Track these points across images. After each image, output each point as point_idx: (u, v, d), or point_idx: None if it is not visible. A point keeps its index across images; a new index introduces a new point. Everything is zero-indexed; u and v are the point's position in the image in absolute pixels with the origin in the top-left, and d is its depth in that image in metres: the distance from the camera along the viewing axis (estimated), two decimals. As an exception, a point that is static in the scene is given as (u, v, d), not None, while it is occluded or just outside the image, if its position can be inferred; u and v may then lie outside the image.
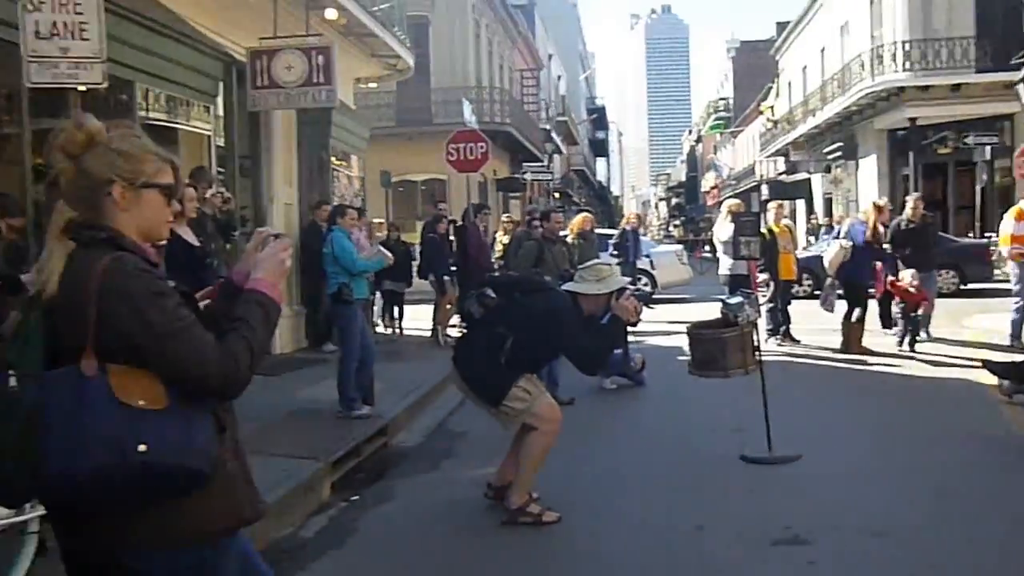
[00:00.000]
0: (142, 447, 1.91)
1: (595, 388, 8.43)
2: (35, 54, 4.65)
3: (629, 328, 6.03)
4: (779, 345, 10.79)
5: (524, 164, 31.82)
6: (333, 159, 11.98)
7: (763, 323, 9.91)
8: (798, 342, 10.97)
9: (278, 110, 9.92)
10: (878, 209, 10.33)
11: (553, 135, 37.15)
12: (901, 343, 10.08)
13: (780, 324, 11.24)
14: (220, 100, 8.89)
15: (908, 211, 10.74)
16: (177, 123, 8.22)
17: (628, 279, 5.19)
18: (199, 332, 2.02)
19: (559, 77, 45.62)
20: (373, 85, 15.26)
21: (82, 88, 4.84)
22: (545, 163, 34.89)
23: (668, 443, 6.64)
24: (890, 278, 9.96)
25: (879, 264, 10.10)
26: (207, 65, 8.24)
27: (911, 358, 9.72)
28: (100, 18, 4.59)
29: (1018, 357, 7.18)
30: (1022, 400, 7.22)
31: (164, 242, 2.42)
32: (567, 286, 5.01)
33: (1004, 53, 19.50)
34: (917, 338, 10.16)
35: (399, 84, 18.06)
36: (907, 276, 9.89)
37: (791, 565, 4.14)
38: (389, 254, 7.98)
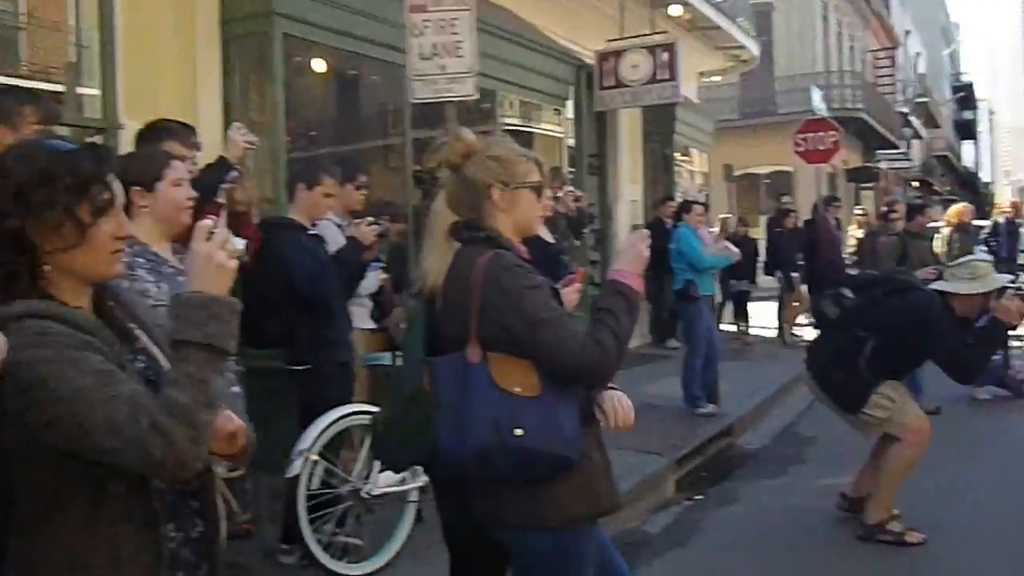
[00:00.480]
0: (519, 431, 2.07)
1: (965, 397, 7.62)
2: (418, 73, 5.19)
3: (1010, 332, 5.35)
4: None
5: (878, 152, 29.57)
6: (676, 154, 12.00)
7: None
8: None
9: (624, 109, 10.13)
10: None
11: (911, 119, 34.12)
12: None
13: None
14: (570, 103, 9.29)
15: None
16: (532, 127, 8.74)
17: (1009, 277, 4.58)
18: (570, 323, 2.15)
19: (917, 55, 41.78)
20: (717, 78, 15.03)
21: (455, 100, 5.32)
22: (902, 150, 32.14)
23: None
24: None
25: None
26: (559, 70, 8.65)
27: None
28: (473, 37, 5.05)
29: None
30: None
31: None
32: (937, 285, 4.54)
33: None
34: None
35: (742, 75, 17.61)
36: None
37: None
38: (736, 250, 7.82)
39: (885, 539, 4.37)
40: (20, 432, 1.40)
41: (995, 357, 6.93)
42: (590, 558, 2.29)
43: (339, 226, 4.28)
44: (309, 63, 6.44)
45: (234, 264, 1.52)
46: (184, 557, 1.58)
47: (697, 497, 5.44)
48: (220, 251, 1.49)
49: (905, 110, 33.16)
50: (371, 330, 4.58)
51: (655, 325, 10.77)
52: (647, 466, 5.48)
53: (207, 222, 1.56)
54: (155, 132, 3.30)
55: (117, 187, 1.55)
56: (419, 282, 2.43)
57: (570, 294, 2.45)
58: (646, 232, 2.44)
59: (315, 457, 3.65)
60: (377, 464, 3.74)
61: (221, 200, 3.51)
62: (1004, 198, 31.95)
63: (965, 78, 64.27)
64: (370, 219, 4.16)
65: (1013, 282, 4.73)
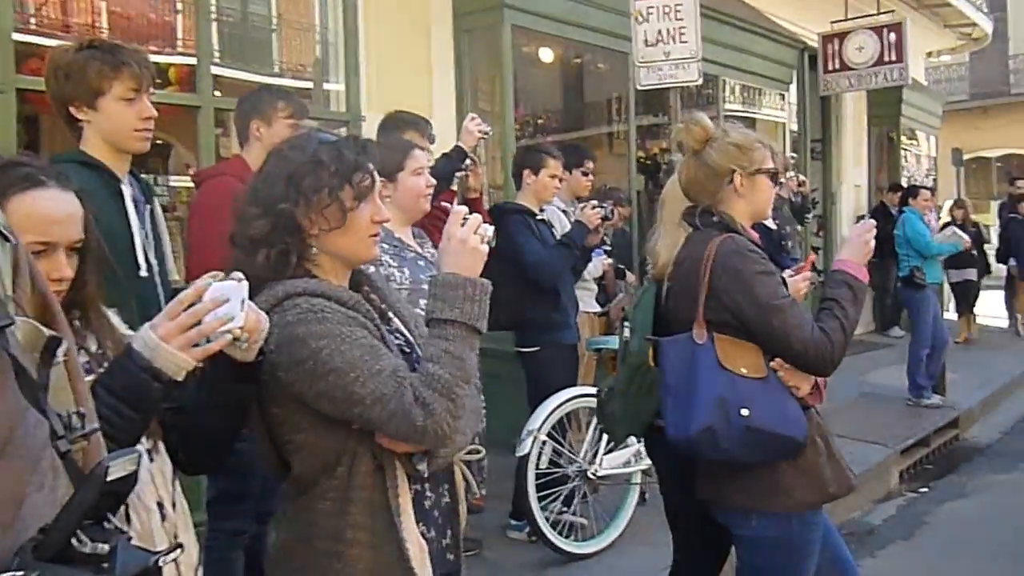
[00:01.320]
0: (745, 411, 2.03)
1: None
2: (643, 60, 5.05)
3: None
4: None
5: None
6: (902, 138, 11.10)
7: None
8: None
9: (848, 92, 9.50)
10: None
11: None
12: None
13: None
14: (793, 87, 8.82)
15: None
16: (754, 112, 8.38)
17: None
18: (800, 311, 2.08)
19: None
20: (946, 58, 13.75)
21: (680, 86, 5.15)
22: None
23: None
24: None
25: None
26: (782, 54, 8.24)
27: None
28: (697, 22, 4.86)
29: None
30: None
31: None
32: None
33: None
34: None
35: (973, 54, 16.04)
36: None
37: None
38: (966, 236, 7.13)
39: None
40: (294, 403, 1.47)
41: None
42: (816, 546, 2.19)
43: (565, 211, 4.25)
44: (537, 53, 6.47)
45: (486, 248, 1.53)
46: (434, 518, 1.61)
47: (922, 490, 5.10)
48: (474, 235, 1.51)
49: None
50: (596, 314, 4.52)
51: (879, 312, 10.07)
52: (870, 456, 5.15)
53: (462, 208, 1.58)
54: (395, 123, 3.38)
55: (376, 175, 1.59)
56: (649, 263, 2.39)
57: (799, 283, 2.35)
58: (872, 222, 2.32)
59: (543, 437, 3.64)
60: (603, 446, 3.73)
61: (455, 187, 3.56)
62: None
63: None
64: (594, 203, 4.08)
65: None
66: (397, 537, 1.47)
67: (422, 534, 1.54)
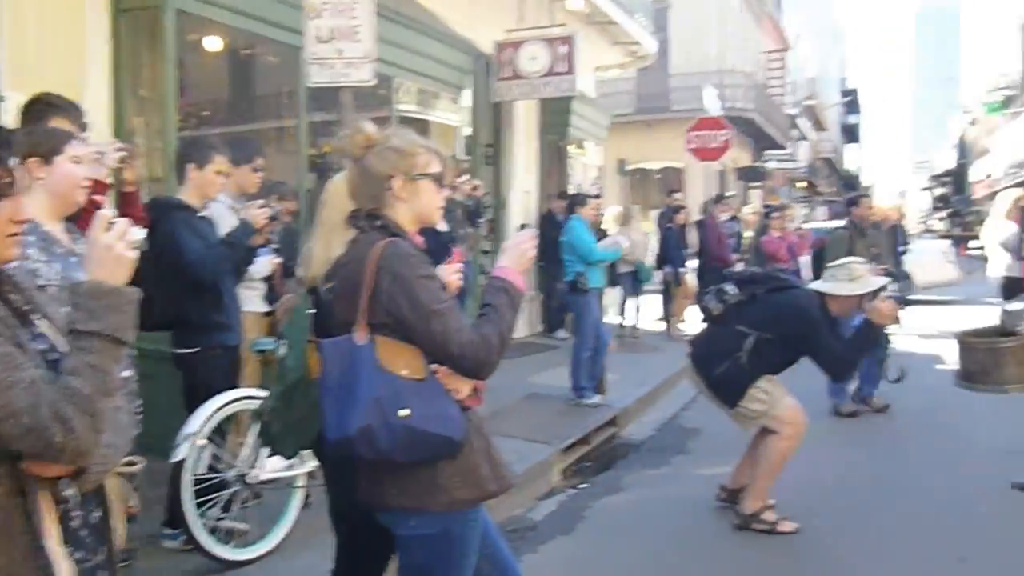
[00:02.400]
0: (403, 412, 2.16)
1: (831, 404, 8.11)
2: (315, 56, 5.20)
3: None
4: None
5: (766, 152, 30.80)
6: (571, 147, 12.23)
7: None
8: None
9: (520, 100, 10.29)
10: None
11: (799, 120, 35.65)
12: None
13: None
14: (468, 92, 9.37)
15: None
16: (428, 114, 8.80)
17: (885, 280, 4.92)
18: (460, 315, 2.24)
19: (808, 58, 43.62)
20: (614, 73, 15.38)
21: (352, 85, 5.35)
22: (789, 151, 33.55)
23: (927, 462, 6.21)
24: None
25: None
26: (457, 58, 8.73)
27: None
28: (372, 22, 5.08)
29: None
30: None
31: None
32: (816, 285, 4.86)
33: None
34: None
35: (639, 71, 18.05)
36: None
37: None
38: (626, 242, 8.07)
39: (759, 528, 4.63)
40: None
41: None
42: (474, 543, 2.38)
43: (232, 208, 4.28)
44: (203, 41, 6.35)
45: (134, 254, 1.56)
46: (83, 538, 1.61)
47: (582, 486, 5.62)
48: (120, 241, 1.53)
49: (794, 112, 34.61)
50: (262, 314, 4.61)
51: (545, 316, 11.02)
52: (533, 454, 5.66)
53: (107, 212, 1.60)
54: (40, 108, 3.23)
55: (19, 171, 1.56)
56: (303, 270, 2.47)
57: (449, 275, 2.53)
58: (532, 232, 2.56)
59: (202, 442, 3.69)
60: (265, 449, 3.80)
61: (110, 180, 3.47)
62: (885, 200, 33.57)
63: (853, 83, 67.30)
64: (261, 202, 4.18)
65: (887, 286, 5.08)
66: (40, 563, 1.46)
67: (71, 555, 1.53)
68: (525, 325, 10.76)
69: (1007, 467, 5.73)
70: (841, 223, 8.56)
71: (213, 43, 6.54)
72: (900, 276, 13.22)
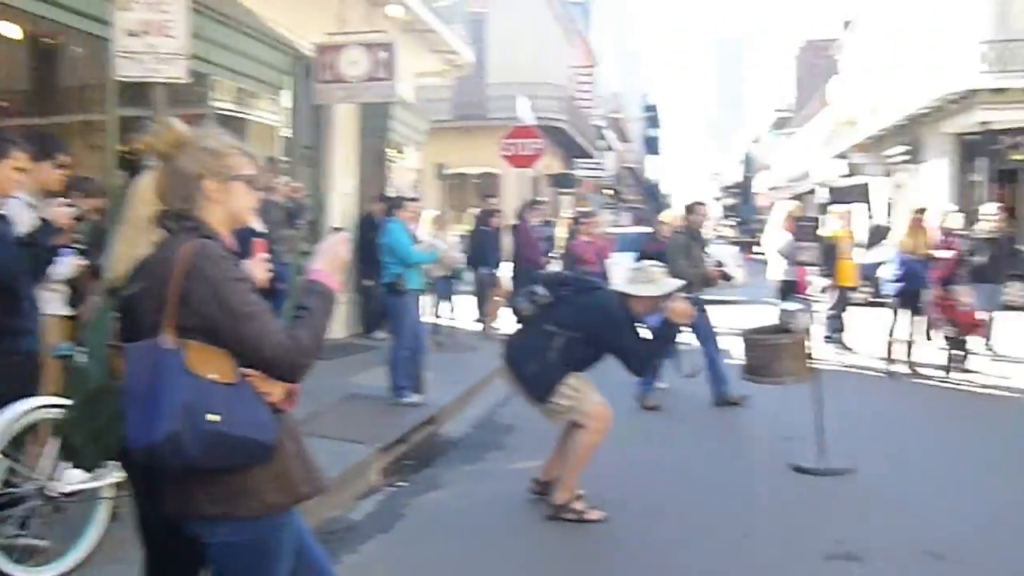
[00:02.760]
0: (213, 416, 2.07)
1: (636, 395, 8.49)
2: (124, 50, 4.89)
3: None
4: (836, 353, 10.69)
5: (576, 160, 31.83)
6: (391, 151, 12.17)
7: (821, 330, 9.83)
8: (851, 350, 10.88)
9: (340, 104, 10.14)
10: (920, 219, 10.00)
11: (606, 132, 37.09)
12: (948, 374, 9.31)
13: (837, 331, 11.18)
14: (287, 92, 9.14)
15: (987, 220, 10.58)
16: (246, 114, 8.50)
17: (681, 282, 5.21)
18: (270, 318, 2.17)
19: (614, 74, 45.44)
20: (433, 80, 15.43)
21: (164, 81, 5.08)
22: (597, 160, 34.85)
23: (718, 448, 6.65)
24: (939, 293, 9.36)
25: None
26: (276, 59, 8.49)
27: (977, 372, 9.51)
28: (185, 18, 4.83)
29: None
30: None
31: None
32: (617, 286, 5.08)
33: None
34: (964, 367, 9.40)
35: (457, 79, 18.22)
36: (960, 293, 9.29)
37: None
38: (444, 245, 8.12)
39: (569, 518, 4.79)
40: None
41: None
42: (287, 548, 2.30)
43: (32, 206, 3.97)
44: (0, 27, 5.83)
45: None
46: None
47: (401, 484, 5.60)
48: None
49: (601, 123, 35.96)
50: (65, 317, 4.29)
51: (364, 317, 10.91)
52: (351, 455, 5.60)
53: None
54: None
55: None
56: (107, 273, 2.33)
57: (255, 269, 2.47)
58: (346, 233, 2.54)
59: (-4, 454, 3.38)
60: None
61: None
62: (681, 209, 35.46)
63: (653, 99, 70.72)
64: (65, 200, 3.89)
65: (683, 287, 5.38)
66: None
67: None
68: (343, 326, 10.60)
69: (786, 451, 6.20)
70: (647, 229, 8.98)
71: (12, 30, 6.02)
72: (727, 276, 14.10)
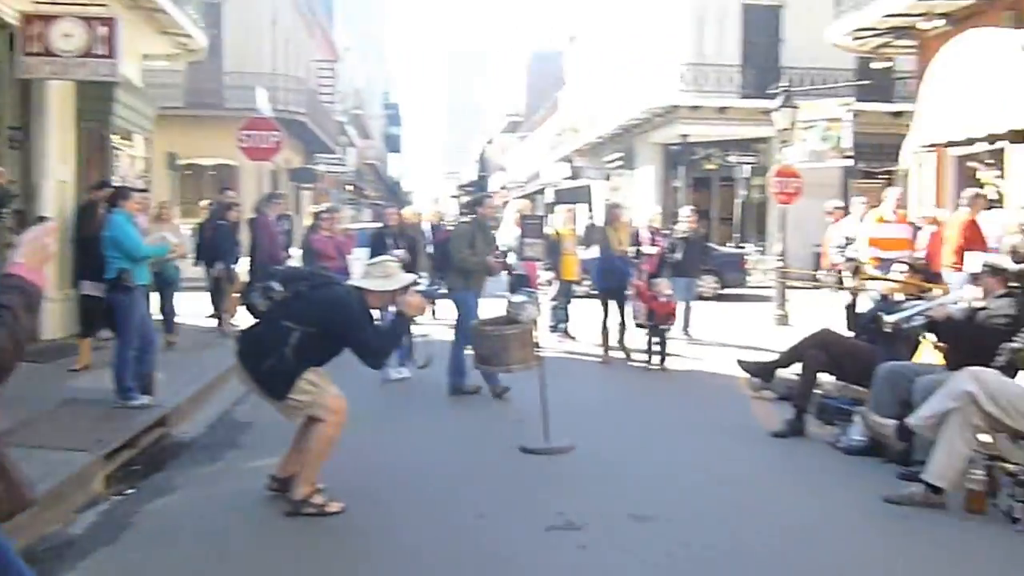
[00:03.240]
0: None
1: (380, 380, 8.50)
2: None
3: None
4: (559, 341, 11.30)
5: (317, 155, 31.18)
6: (115, 137, 11.19)
7: (545, 320, 10.33)
8: (575, 339, 11.52)
9: (54, 81, 9.16)
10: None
11: (347, 128, 36.65)
12: (650, 359, 9.75)
13: (561, 322, 11.82)
14: (-12, 65, 8.11)
15: (684, 222, 11.78)
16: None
17: (413, 277, 5.26)
18: None
19: (356, 70, 45.02)
20: (163, 63, 14.42)
21: None
22: (338, 155, 34.34)
23: (453, 434, 6.79)
24: (639, 283, 10.05)
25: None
26: (-29, 24, 7.49)
27: (679, 356, 10.42)
28: None
29: (766, 357, 7.92)
30: (768, 396, 7.99)
31: None
32: (354, 281, 5.03)
33: (764, 82, 21.34)
34: (666, 352, 9.77)
35: (190, 64, 17.16)
36: (661, 286, 9.96)
37: (564, 549, 4.33)
38: (174, 239, 7.64)
39: (309, 512, 4.67)
40: None
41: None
42: None
43: None
44: None
45: None
46: None
47: (129, 491, 5.19)
48: None
49: (342, 119, 35.48)
50: None
51: (83, 314, 9.94)
52: (70, 464, 5.07)
53: None
54: None
55: None
56: None
57: None
58: (52, 224, 2.32)
59: None
60: None
61: None
62: (422, 206, 35.88)
63: (395, 98, 70.91)
64: None
65: (416, 282, 5.43)
66: None
67: None
68: (61, 325, 9.62)
69: (516, 434, 6.49)
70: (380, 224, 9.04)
71: None
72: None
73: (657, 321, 9.66)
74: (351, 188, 40.37)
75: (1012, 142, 10.53)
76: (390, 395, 8.24)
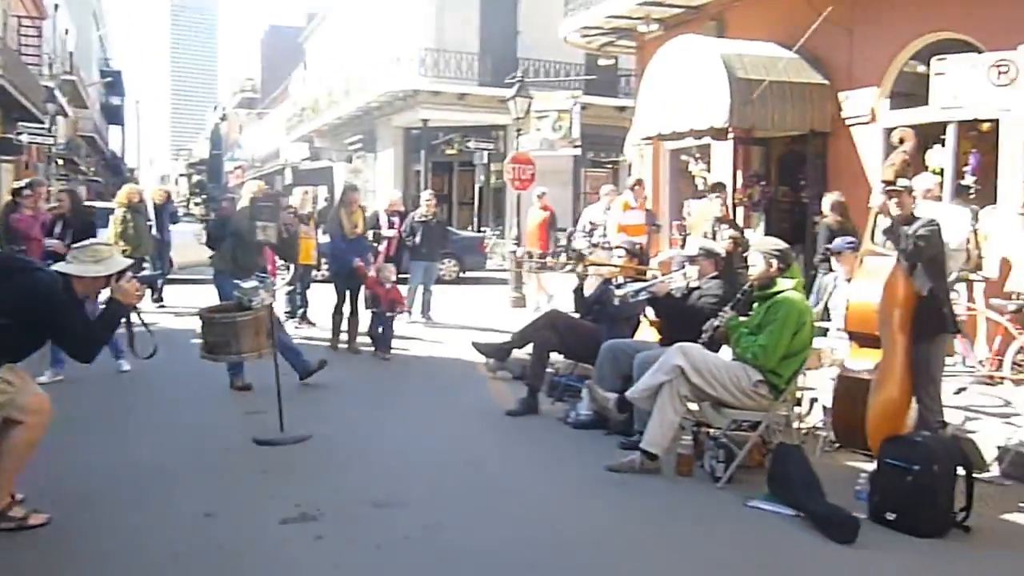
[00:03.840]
0: None
1: (113, 373, 7.95)
2: None
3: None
4: (296, 328, 10.98)
5: (20, 124, 27.97)
6: None
7: (281, 306, 9.99)
8: (315, 325, 11.26)
9: None
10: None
11: (57, 94, 33.21)
12: (375, 347, 9.53)
13: (299, 307, 11.50)
14: None
15: (424, 206, 11.87)
16: None
17: (129, 261, 4.80)
18: None
19: (67, 31, 40.91)
20: None
21: None
22: (46, 125, 31.03)
23: (180, 429, 6.38)
24: (361, 266, 9.56)
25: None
26: None
27: (418, 339, 10.49)
28: None
29: (500, 339, 8.18)
30: (505, 376, 8.27)
31: None
32: (59, 267, 4.47)
33: (502, 71, 22.02)
34: (390, 338, 9.56)
35: None
36: (387, 271, 9.70)
37: (300, 542, 4.20)
38: None
39: (8, 527, 4.18)
40: None
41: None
42: None
43: None
44: None
45: None
46: None
47: None
48: None
49: (51, 85, 32.07)
50: None
51: None
52: None
53: None
54: None
55: None
56: None
57: None
58: None
59: None
60: None
61: None
62: (146, 183, 33.52)
63: (115, 64, 65.20)
64: None
65: (132, 266, 5.00)
66: None
67: None
68: None
69: (250, 426, 6.26)
70: (109, 204, 8.36)
71: None
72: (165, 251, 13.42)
73: (384, 307, 9.48)
74: (62, 163, 36.71)
75: (714, 139, 11.69)
76: (109, 390, 7.60)
